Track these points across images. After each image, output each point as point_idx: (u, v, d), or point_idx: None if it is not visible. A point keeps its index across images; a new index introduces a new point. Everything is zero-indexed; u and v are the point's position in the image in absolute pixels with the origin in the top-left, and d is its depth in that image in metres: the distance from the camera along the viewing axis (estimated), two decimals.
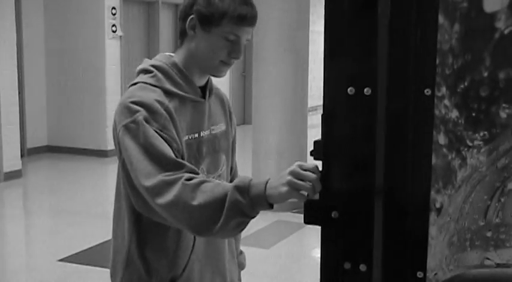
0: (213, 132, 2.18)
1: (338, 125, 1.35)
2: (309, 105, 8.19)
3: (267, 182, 1.79)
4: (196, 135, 2.09)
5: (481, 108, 1.23)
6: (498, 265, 1.28)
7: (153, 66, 2.07)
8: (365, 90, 1.31)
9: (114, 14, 11.35)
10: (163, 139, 1.91)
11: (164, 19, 12.90)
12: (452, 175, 1.26)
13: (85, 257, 5.99)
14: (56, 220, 7.62)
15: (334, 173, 1.38)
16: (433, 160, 1.27)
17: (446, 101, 1.24)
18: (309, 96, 8.17)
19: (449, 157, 1.26)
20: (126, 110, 1.95)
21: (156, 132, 1.91)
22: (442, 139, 1.26)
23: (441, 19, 1.23)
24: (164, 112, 1.96)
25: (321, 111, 1.39)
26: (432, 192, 1.28)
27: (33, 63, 11.23)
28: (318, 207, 1.40)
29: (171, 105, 2.00)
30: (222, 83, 14.41)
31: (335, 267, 1.40)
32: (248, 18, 2.02)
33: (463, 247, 1.28)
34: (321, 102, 1.39)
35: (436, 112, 1.25)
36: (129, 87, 2.07)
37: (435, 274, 1.30)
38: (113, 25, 11.35)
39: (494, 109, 1.23)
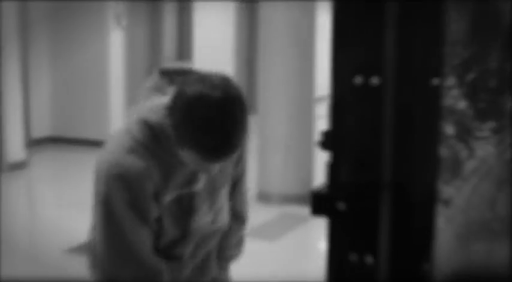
0: (212, 174, 2.06)
1: (346, 115, 1.34)
2: (316, 95, 8.18)
3: None
4: (187, 190, 2.01)
5: (490, 98, 1.21)
6: (505, 258, 1.27)
7: (149, 122, 1.90)
8: (372, 79, 1.30)
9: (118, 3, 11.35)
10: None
11: (168, 7, 12.89)
12: (460, 166, 1.25)
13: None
14: (60, 211, 7.64)
15: (341, 164, 1.37)
16: (441, 151, 1.26)
17: (454, 91, 1.23)
18: (316, 85, 8.16)
19: (457, 148, 1.25)
20: (110, 182, 1.90)
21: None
22: (450, 130, 1.25)
23: (451, 9, 1.21)
24: (150, 186, 1.89)
25: (328, 101, 1.38)
26: (439, 184, 1.27)
27: (37, 54, 11.24)
28: (325, 198, 1.39)
29: (156, 167, 1.90)
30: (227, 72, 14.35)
31: (341, 259, 1.39)
32: (217, 156, 1.80)
33: (469, 239, 1.27)
34: (328, 92, 1.38)
35: (444, 103, 1.24)
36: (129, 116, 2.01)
37: (441, 266, 1.29)
38: (117, 15, 11.34)
39: (503, 100, 1.21)
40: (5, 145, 9.33)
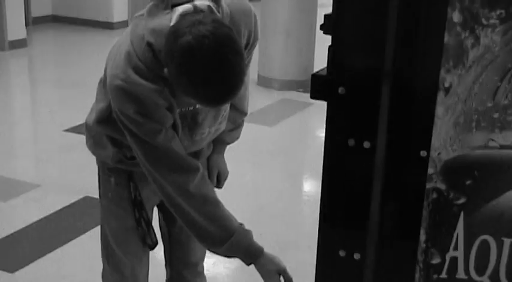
0: None
1: None
2: None
3: (262, 252, 2.06)
4: (191, 107, 2.04)
5: None
6: (502, 147, 1.27)
7: (153, 46, 1.88)
8: None
9: None
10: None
11: None
12: (464, 55, 1.24)
13: None
14: (61, 91, 7.65)
15: (343, 48, 1.35)
16: (446, 39, 1.24)
17: None
18: None
19: (463, 36, 1.23)
20: (118, 95, 1.92)
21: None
22: (456, 17, 1.22)
23: None
24: (162, 108, 1.92)
25: None
26: (442, 72, 1.26)
27: None
28: (325, 82, 1.38)
29: (162, 86, 1.90)
30: None
31: (339, 143, 1.40)
32: (217, 103, 1.87)
33: (468, 128, 1.28)
34: None
35: None
36: (135, 21, 1.97)
37: (439, 154, 1.30)
38: None
39: None
40: (6, 23, 9.22)
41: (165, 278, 2.68)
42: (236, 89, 1.78)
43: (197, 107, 2.05)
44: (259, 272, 2.07)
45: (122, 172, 2.26)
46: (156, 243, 2.36)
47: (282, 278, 2.07)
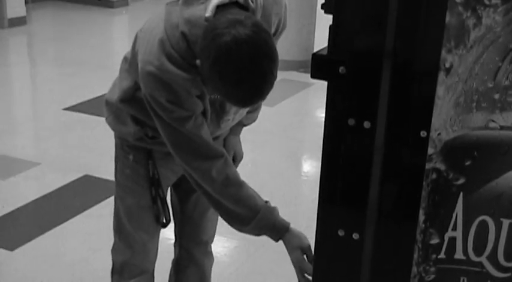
0: None
1: None
2: None
3: (288, 228, 2.11)
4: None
5: None
6: (502, 128, 1.27)
7: (187, 37, 1.89)
8: None
9: None
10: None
11: None
12: (465, 34, 1.23)
13: (89, 107, 6.05)
14: (61, 69, 7.63)
15: (344, 27, 1.34)
16: (447, 18, 1.23)
17: None
18: None
19: (464, 16, 1.22)
20: (150, 82, 1.93)
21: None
22: None
23: None
24: (193, 96, 1.95)
25: None
26: (443, 52, 1.25)
27: None
28: (326, 61, 1.38)
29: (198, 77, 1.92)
30: None
31: (339, 123, 1.40)
32: (245, 105, 1.95)
33: (469, 108, 1.27)
34: None
35: None
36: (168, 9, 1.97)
37: (439, 134, 1.30)
38: None
39: None
40: (5, 1, 9.18)
41: (173, 256, 2.69)
42: (265, 93, 1.83)
43: None
44: (286, 247, 2.10)
45: (141, 150, 2.28)
46: (169, 222, 2.39)
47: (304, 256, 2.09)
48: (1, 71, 7.49)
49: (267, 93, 1.83)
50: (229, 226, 2.12)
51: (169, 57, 1.90)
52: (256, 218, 2.05)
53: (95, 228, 3.97)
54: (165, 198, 2.37)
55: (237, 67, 1.74)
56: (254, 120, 2.54)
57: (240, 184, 2.09)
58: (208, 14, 1.84)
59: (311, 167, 5.19)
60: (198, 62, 1.84)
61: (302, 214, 4.03)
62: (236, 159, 2.60)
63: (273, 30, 2.09)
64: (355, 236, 1.45)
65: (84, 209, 4.20)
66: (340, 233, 1.46)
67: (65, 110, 6.04)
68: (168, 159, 2.22)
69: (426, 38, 1.28)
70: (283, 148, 5.51)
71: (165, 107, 1.94)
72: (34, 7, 10.72)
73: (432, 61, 1.27)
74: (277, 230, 2.09)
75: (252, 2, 1.93)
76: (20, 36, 9.21)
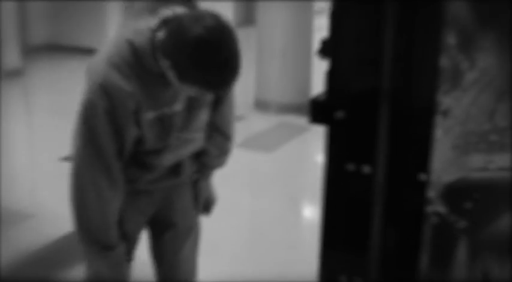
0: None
1: (346, 23, 1.32)
2: (315, 7, 8.05)
3: None
4: (168, 109, 2.11)
5: (495, 9, 1.19)
6: (501, 169, 1.27)
7: (134, 44, 2.00)
8: None
9: None
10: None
11: None
12: (461, 77, 1.24)
13: None
14: (57, 119, 7.64)
15: (340, 72, 1.35)
16: (442, 61, 1.24)
17: (459, 1, 1.21)
18: None
19: (458, 58, 1.23)
20: (94, 89, 2.03)
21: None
22: (452, 40, 1.23)
23: None
24: (131, 103, 2.01)
25: (327, 13, 1.35)
26: (439, 95, 1.26)
27: None
28: (324, 106, 1.39)
29: (139, 87, 2.01)
30: None
31: (338, 168, 1.40)
32: (223, 88, 2.00)
33: (467, 150, 1.28)
34: (328, 5, 1.35)
35: (448, 12, 1.22)
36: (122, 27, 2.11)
37: (438, 176, 1.30)
38: None
39: (508, 10, 1.19)
40: (1, 52, 9.24)
41: None
42: (238, 71, 1.92)
43: (175, 108, 2.12)
44: None
45: None
46: (129, 259, 2.40)
47: None
48: None
49: (239, 71, 1.93)
50: None
51: (115, 66, 2.01)
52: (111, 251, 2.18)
53: None
54: (128, 236, 2.37)
55: (214, 53, 1.85)
56: (222, 165, 2.55)
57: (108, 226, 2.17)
58: (154, 26, 1.97)
59: (311, 212, 5.16)
60: (166, 62, 1.92)
61: (303, 260, 3.99)
62: (209, 204, 2.62)
63: None
64: (358, 280, 1.43)
65: (82, 260, 4.16)
66: (342, 279, 1.45)
67: (61, 160, 6.03)
68: (132, 198, 2.28)
69: (422, 82, 1.29)
70: (282, 193, 5.49)
71: (97, 114, 2.02)
72: (30, 58, 10.80)
73: (428, 104, 1.27)
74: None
75: None
76: (16, 87, 9.26)
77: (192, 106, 2.18)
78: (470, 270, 1.33)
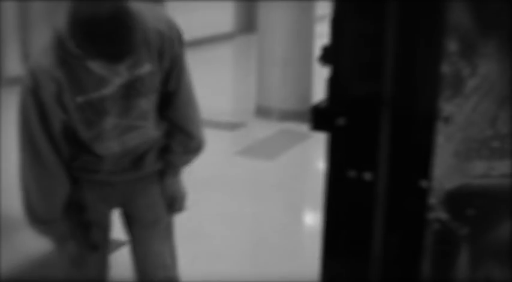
0: (122, 81, 2.19)
1: (347, 29, 1.32)
2: (316, 14, 8.07)
3: None
4: (95, 94, 2.16)
5: (496, 15, 1.19)
6: (503, 175, 1.27)
7: (58, 30, 2.10)
8: None
9: None
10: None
11: None
12: (462, 84, 1.24)
13: None
14: None
15: (342, 79, 1.35)
16: (443, 68, 1.24)
17: (459, 7, 1.21)
18: (317, 3, 8.03)
19: (460, 65, 1.23)
20: (26, 74, 2.19)
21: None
22: (453, 46, 1.23)
23: None
24: (52, 84, 2.11)
25: (328, 20, 1.36)
26: (440, 101, 1.26)
27: None
28: (325, 114, 1.39)
29: (63, 71, 2.10)
30: None
31: (340, 175, 1.39)
32: (113, 57, 1.99)
33: (469, 157, 1.27)
34: (329, 11, 1.35)
35: (449, 18, 1.22)
36: None
37: (440, 183, 1.30)
38: None
39: (509, 16, 1.19)
40: (3, 60, 9.27)
41: None
42: (127, 42, 1.95)
43: (104, 92, 2.16)
44: None
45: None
46: (96, 247, 2.46)
47: None
48: None
49: (130, 47, 1.97)
50: None
51: (43, 51, 2.14)
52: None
53: None
54: (87, 224, 2.43)
55: (100, 22, 1.89)
56: (188, 163, 2.56)
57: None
58: None
59: (313, 219, 5.16)
60: (72, 43, 1.98)
61: (305, 267, 3.98)
62: (176, 199, 2.61)
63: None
64: None
65: None
66: None
67: None
68: (94, 187, 2.38)
69: (423, 88, 1.29)
70: (283, 200, 5.49)
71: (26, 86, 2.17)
72: None
73: (430, 111, 1.27)
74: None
75: None
76: (17, 94, 9.26)
77: (129, 93, 2.20)
78: (472, 277, 1.33)
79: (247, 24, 15.34)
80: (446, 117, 1.26)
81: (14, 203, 5.31)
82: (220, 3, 14.19)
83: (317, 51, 1.41)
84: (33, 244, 4.52)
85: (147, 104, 2.28)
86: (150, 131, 2.35)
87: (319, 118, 1.41)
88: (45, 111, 2.16)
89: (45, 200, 2.31)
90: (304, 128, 7.26)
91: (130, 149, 2.33)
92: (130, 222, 2.55)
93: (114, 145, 2.29)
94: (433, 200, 1.30)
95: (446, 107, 1.26)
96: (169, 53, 2.25)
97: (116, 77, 2.14)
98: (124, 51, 1.98)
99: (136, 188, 2.46)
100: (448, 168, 1.29)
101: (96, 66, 2.04)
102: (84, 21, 1.93)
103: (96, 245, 2.45)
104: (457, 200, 1.30)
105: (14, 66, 9.50)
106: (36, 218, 2.36)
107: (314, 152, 6.79)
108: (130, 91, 2.20)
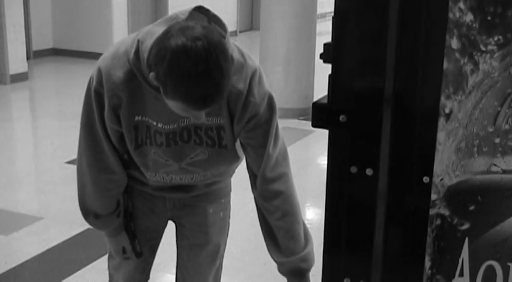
0: (183, 124, 2.07)
1: (349, 26, 1.32)
2: (318, 12, 8.08)
3: None
4: (147, 119, 2.07)
5: (497, 11, 1.19)
6: (504, 172, 1.27)
7: (140, 41, 1.96)
8: None
9: None
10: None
11: None
12: (464, 80, 1.24)
13: None
14: (62, 123, 7.67)
15: (343, 76, 1.36)
16: (445, 65, 1.25)
17: (461, 4, 1.21)
18: (318, 2, 8.04)
19: (461, 62, 1.24)
20: (95, 69, 2.08)
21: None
22: (454, 43, 1.23)
23: None
24: (113, 98, 2.03)
25: (330, 18, 1.36)
26: (442, 98, 1.26)
27: None
28: (327, 110, 1.39)
29: (129, 89, 2.01)
30: None
31: (341, 171, 1.40)
32: (205, 103, 1.83)
33: (470, 153, 1.28)
34: (330, 10, 1.36)
35: (450, 15, 1.22)
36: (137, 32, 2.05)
37: (441, 179, 1.30)
38: None
39: (511, 13, 1.19)
40: (7, 57, 9.28)
41: None
42: (223, 91, 1.82)
43: (148, 121, 2.07)
44: None
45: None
46: (139, 254, 2.43)
47: None
48: (3, 126, 7.53)
49: (224, 92, 1.83)
50: None
51: (116, 58, 2.02)
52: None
53: None
54: (134, 232, 2.40)
55: (195, 62, 1.73)
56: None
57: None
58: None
59: (314, 214, 5.16)
60: (151, 74, 1.84)
61: None
62: None
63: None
64: None
65: (88, 263, 4.17)
66: (346, 281, 1.45)
67: (67, 164, 6.04)
68: (145, 198, 2.33)
69: (425, 85, 1.30)
70: None
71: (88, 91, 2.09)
72: (36, 63, 10.84)
73: (432, 107, 1.28)
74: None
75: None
76: (21, 91, 9.29)
77: (176, 139, 2.10)
78: (474, 273, 1.33)
79: (250, 23, 15.32)
80: (448, 113, 1.27)
81: (19, 199, 5.33)
82: (223, 1, 14.20)
83: (319, 50, 1.41)
84: (37, 241, 4.54)
85: (202, 155, 2.15)
86: (207, 176, 2.26)
87: (321, 114, 1.41)
88: (104, 112, 2.08)
89: (99, 195, 2.26)
90: (305, 125, 7.28)
91: (176, 184, 2.26)
92: (179, 237, 2.49)
93: (159, 177, 2.22)
94: (434, 196, 1.31)
95: (448, 104, 1.26)
96: (247, 113, 2.08)
97: (196, 119, 1.99)
98: (216, 95, 1.81)
99: (187, 205, 2.39)
100: (449, 165, 1.29)
101: (173, 105, 1.87)
102: (179, 55, 1.75)
103: (140, 252, 2.42)
104: (458, 196, 1.30)
105: (19, 64, 9.53)
106: (89, 211, 2.31)
107: (316, 149, 6.80)
108: (181, 137, 2.10)
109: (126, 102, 2.03)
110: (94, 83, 2.05)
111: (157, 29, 1.92)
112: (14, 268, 4.11)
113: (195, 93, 1.79)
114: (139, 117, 2.06)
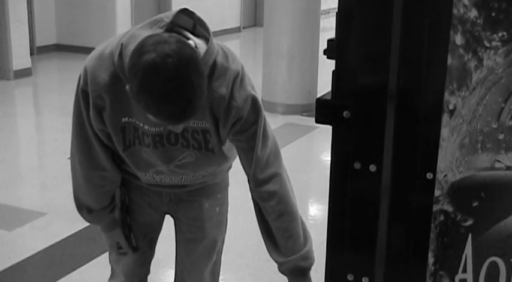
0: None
1: (353, 21, 1.32)
2: (321, 8, 8.07)
3: None
4: (135, 121, 2.07)
5: (501, 7, 1.19)
6: (508, 168, 1.27)
7: (123, 45, 1.95)
8: None
9: None
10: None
11: None
12: (468, 76, 1.24)
13: None
14: (65, 119, 7.65)
15: (346, 72, 1.36)
16: (449, 61, 1.25)
17: (465, 0, 1.21)
18: None
19: (465, 58, 1.24)
20: (83, 69, 2.10)
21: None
22: (459, 39, 1.23)
23: None
24: (97, 99, 2.05)
25: (333, 14, 1.36)
26: (446, 94, 1.26)
27: None
28: (330, 106, 1.39)
29: (110, 89, 2.01)
30: None
31: (345, 167, 1.40)
32: (178, 119, 1.82)
33: (474, 149, 1.28)
34: (334, 6, 1.36)
35: (455, 11, 1.22)
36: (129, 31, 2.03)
37: (445, 176, 1.30)
38: None
39: None
40: (10, 53, 9.29)
41: None
42: (196, 108, 1.79)
43: (136, 122, 2.07)
44: None
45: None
46: (135, 248, 2.44)
47: None
48: (7, 121, 7.54)
49: (198, 107, 1.80)
50: None
51: (102, 59, 2.03)
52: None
53: (102, 277, 3.94)
54: (130, 225, 2.42)
55: (165, 80, 1.71)
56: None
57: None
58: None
59: (318, 210, 5.17)
60: (127, 87, 1.83)
61: None
62: None
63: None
64: (365, 280, 1.44)
65: (92, 258, 4.17)
66: (350, 277, 1.45)
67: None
68: (142, 192, 2.35)
69: (429, 81, 1.30)
70: None
71: (77, 92, 2.13)
72: (39, 58, 10.84)
73: (435, 103, 1.28)
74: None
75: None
76: (25, 87, 9.29)
77: (163, 142, 2.10)
78: (477, 269, 1.33)
79: (254, 18, 15.31)
80: (452, 110, 1.27)
81: (22, 194, 5.33)
82: None
83: (322, 45, 1.41)
84: (40, 236, 4.54)
85: (189, 158, 2.15)
86: (196, 177, 2.27)
87: (325, 110, 1.41)
88: (89, 111, 2.10)
89: (92, 190, 2.30)
90: (309, 121, 7.28)
91: (165, 184, 2.28)
92: (177, 232, 2.51)
93: (149, 177, 2.24)
94: (438, 192, 1.31)
95: (452, 100, 1.26)
96: (231, 117, 2.06)
97: (174, 130, 2.00)
98: (187, 112, 1.79)
99: (183, 200, 2.40)
100: (453, 161, 1.29)
101: (151, 117, 1.87)
102: (150, 71, 1.73)
103: (135, 247, 2.44)
104: (462, 192, 1.30)
105: (22, 59, 9.53)
106: (83, 205, 2.36)
107: (319, 144, 6.80)
108: (168, 140, 2.10)
109: (110, 104, 2.03)
110: (81, 82, 2.08)
111: (141, 33, 1.91)
112: (18, 263, 4.12)
113: (166, 111, 1.78)
114: (126, 119, 2.07)
